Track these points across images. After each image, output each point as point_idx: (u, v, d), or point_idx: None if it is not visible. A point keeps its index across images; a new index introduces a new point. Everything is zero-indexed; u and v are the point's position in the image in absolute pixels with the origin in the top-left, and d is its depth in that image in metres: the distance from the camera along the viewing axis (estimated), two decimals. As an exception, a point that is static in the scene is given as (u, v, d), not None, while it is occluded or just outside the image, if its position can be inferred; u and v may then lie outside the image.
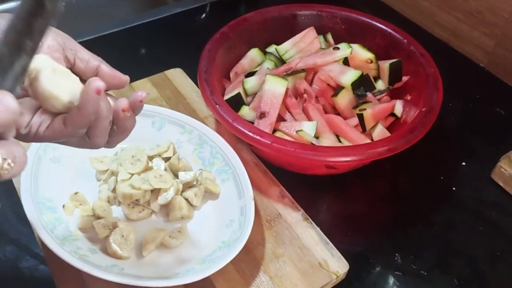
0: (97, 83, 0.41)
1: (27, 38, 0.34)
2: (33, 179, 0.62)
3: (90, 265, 0.54)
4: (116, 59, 0.91)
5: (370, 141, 0.70)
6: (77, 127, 0.42)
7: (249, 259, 0.61)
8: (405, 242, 0.67)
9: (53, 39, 0.46)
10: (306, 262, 0.61)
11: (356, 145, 0.65)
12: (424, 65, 0.74)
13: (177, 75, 0.85)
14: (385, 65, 0.76)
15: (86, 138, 0.45)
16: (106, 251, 0.59)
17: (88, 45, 0.97)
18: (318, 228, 0.65)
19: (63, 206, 0.62)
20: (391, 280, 0.62)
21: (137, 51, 0.98)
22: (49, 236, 0.56)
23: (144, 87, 0.83)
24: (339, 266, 0.61)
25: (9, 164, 0.33)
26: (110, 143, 0.49)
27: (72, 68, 0.47)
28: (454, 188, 0.73)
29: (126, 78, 0.49)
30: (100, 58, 0.49)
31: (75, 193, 0.64)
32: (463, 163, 0.77)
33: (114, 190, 0.65)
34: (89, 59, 0.48)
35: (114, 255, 0.59)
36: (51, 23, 0.35)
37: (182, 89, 0.83)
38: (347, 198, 0.73)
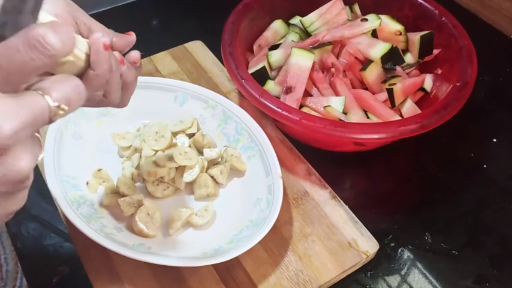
0: (102, 39, 0.38)
1: None
2: (55, 155, 0.60)
3: (117, 244, 0.53)
4: (131, 31, 0.90)
5: (399, 117, 0.68)
6: (96, 88, 0.40)
7: (277, 238, 0.60)
8: (434, 220, 0.65)
9: (65, 10, 0.43)
10: (335, 241, 0.60)
11: (387, 122, 0.63)
12: (457, 37, 0.70)
13: (197, 48, 0.83)
14: (416, 37, 0.72)
15: (102, 97, 0.43)
16: (132, 229, 0.58)
17: (102, 16, 0.96)
18: (347, 207, 0.63)
19: (87, 183, 0.61)
20: (421, 260, 0.61)
21: (154, 22, 0.95)
22: (75, 214, 0.55)
23: (163, 61, 0.80)
24: (369, 245, 0.60)
25: (62, 109, 0.30)
26: (121, 101, 0.47)
27: None
28: (484, 166, 0.71)
29: (133, 37, 0.46)
30: (113, 31, 0.46)
31: (99, 170, 0.63)
32: (494, 139, 0.75)
33: (137, 167, 0.64)
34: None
35: (140, 234, 0.58)
36: None
37: (203, 62, 0.80)
38: (373, 175, 0.71)
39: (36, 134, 0.31)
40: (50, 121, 0.30)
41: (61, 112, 0.30)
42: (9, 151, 0.28)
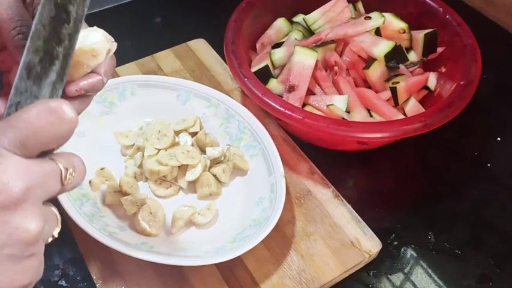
0: (104, 80, 0.39)
1: (57, 44, 0.33)
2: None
3: (120, 243, 0.53)
4: (134, 28, 0.90)
5: (402, 115, 0.68)
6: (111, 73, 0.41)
7: (279, 237, 0.60)
8: (437, 219, 0.65)
9: None
10: (337, 240, 0.60)
11: (391, 121, 0.63)
12: (461, 35, 0.70)
13: (200, 46, 0.83)
14: (420, 35, 0.72)
15: None
16: (134, 228, 0.58)
17: (105, 14, 0.95)
18: (349, 206, 0.63)
19: (90, 182, 0.61)
20: (424, 259, 0.61)
21: (156, 20, 0.95)
22: (78, 213, 0.55)
23: (166, 59, 0.80)
24: (372, 244, 0.59)
25: (71, 174, 0.32)
26: None
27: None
28: (488, 164, 0.71)
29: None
30: None
31: (102, 168, 0.63)
32: (498, 138, 0.74)
33: (140, 166, 0.64)
34: None
35: (143, 233, 0.58)
36: (80, 27, 0.34)
37: (206, 60, 0.80)
38: (376, 173, 0.71)
39: (54, 209, 0.31)
40: (62, 185, 0.31)
41: (70, 177, 0.31)
42: (18, 209, 0.28)
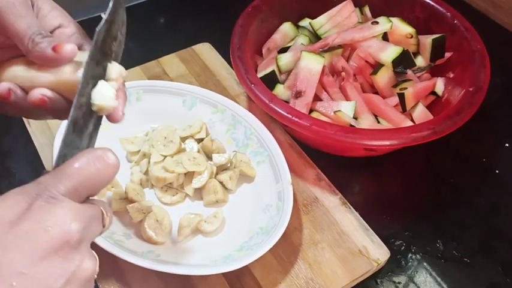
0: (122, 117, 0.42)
1: None
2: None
3: (126, 251, 0.53)
4: (139, 32, 0.90)
5: (410, 121, 0.67)
6: None
7: (287, 245, 0.59)
8: (446, 226, 0.64)
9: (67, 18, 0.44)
10: (345, 249, 0.59)
11: (399, 128, 0.62)
12: (470, 40, 0.69)
13: (205, 50, 0.82)
14: (427, 40, 0.71)
15: None
16: (141, 235, 0.58)
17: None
18: (357, 213, 0.62)
19: (95, 189, 0.61)
20: (433, 267, 0.60)
21: (161, 24, 0.94)
22: (83, 222, 0.54)
23: (171, 63, 0.80)
24: (380, 253, 0.59)
25: (108, 216, 0.35)
26: None
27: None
28: (497, 171, 0.70)
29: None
30: (67, 18, 0.45)
31: (107, 175, 0.62)
32: (507, 144, 0.74)
33: (146, 172, 0.63)
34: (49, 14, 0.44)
35: (149, 241, 0.57)
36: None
37: (211, 64, 0.80)
38: (384, 180, 0.71)
39: (93, 251, 0.34)
40: (103, 226, 0.35)
41: (107, 219, 0.35)
42: (78, 249, 0.31)
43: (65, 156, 0.35)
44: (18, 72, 0.42)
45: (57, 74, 0.40)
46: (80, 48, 0.42)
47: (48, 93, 0.40)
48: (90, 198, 0.35)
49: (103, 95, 0.39)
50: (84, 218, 0.32)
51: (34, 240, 0.30)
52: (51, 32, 0.43)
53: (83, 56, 0.39)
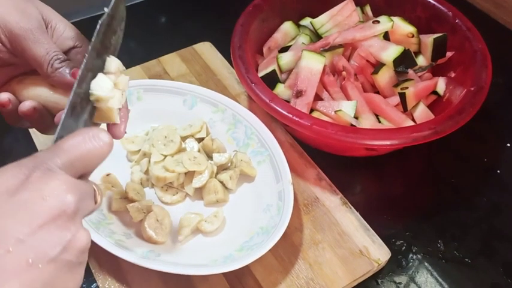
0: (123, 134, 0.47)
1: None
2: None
3: (126, 251, 0.53)
4: (139, 31, 0.90)
5: (411, 121, 0.67)
6: None
7: (287, 245, 0.59)
8: (447, 227, 0.64)
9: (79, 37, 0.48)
10: (345, 249, 0.59)
11: (400, 128, 0.62)
12: (471, 40, 0.69)
13: (206, 50, 0.82)
14: (429, 39, 0.71)
15: None
16: (141, 235, 0.58)
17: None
18: (358, 213, 0.62)
19: (95, 188, 0.61)
20: (434, 268, 0.60)
21: (162, 23, 0.94)
22: (84, 220, 0.54)
23: (172, 62, 0.80)
24: (381, 253, 0.59)
25: (99, 194, 0.36)
26: None
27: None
28: (498, 171, 0.70)
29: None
30: (80, 37, 0.48)
31: (107, 174, 0.62)
32: (508, 144, 0.73)
33: (146, 172, 0.63)
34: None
35: (149, 240, 0.57)
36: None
37: (212, 64, 0.80)
38: (385, 180, 0.70)
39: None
40: (95, 203, 0.36)
41: (98, 197, 0.36)
42: (73, 219, 0.32)
43: (61, 138, 0.36)
44: (41, 92, 0.45)
45: None
46: None
47: None
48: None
49: (101, 86, 0.41)
50: (79, 191, 0.33)
51: (32, 209, 0.30)
52: (67, 51, 0.47)
53: None
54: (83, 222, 0.34)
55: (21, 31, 0.43)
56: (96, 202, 0.36)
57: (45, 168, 0.32)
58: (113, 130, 0.45)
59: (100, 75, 0.42)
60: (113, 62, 0.43)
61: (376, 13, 0.77)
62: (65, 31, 0.47)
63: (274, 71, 0.70)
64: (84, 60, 0.39)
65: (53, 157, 0.33)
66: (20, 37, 0.43)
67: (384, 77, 0.69)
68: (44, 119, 0.46)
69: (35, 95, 0.46)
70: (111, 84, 0.42)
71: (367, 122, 0.66)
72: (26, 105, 0.45)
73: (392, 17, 0.72)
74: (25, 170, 0.32)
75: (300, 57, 0.68)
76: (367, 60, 0.70)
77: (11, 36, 0.43)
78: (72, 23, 0.49)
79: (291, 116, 0.60)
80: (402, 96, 0.67)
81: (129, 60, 0.81)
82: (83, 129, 0.35)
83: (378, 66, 0.69)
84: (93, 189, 0.36)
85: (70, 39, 0.47)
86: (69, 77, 0.44)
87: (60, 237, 0.31)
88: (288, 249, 0.59)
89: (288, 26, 0.77)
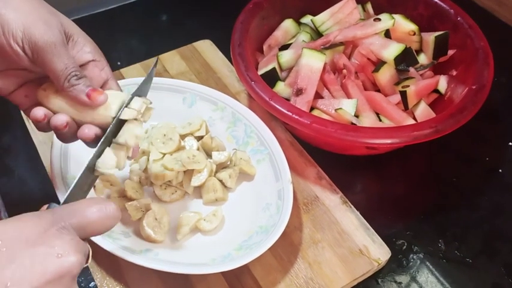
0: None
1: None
2: (62, 158, 0.60)
3: (125, 250, 0.52)
4: (139, 29, 0.89)
5: (412, 120, 0.66)
6: None
7: (286, 244, 0.59)
8: (448, 226, 0.64)
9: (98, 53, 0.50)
10: (345, 248, 0.58)
11: (401, 126, 0.61)
12: (473, 37, 0.68)
13: (206, 47, 0.82)
14: (430, 37, 0.71)
15: None
16: (139, 234, 0.57)
17: (110, 14, 0.94)
18: (358, 212, 0.62)
19: (94, 187, 0.60)
20: (435, 267, 0.59)
21: (162, 20, 0.94)
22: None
23: (172, 60, 0.79)
24: (381, 252, 0.58)
25: (91, 254, 0.38)
26: None
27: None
28: (500, 170, 0.69)
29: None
30: (98, 52, 0.50)
31: (106, 173, 0.62)
32: (510, 143, 0.73)
33: (145, 170, 0.63)
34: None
35: (147, 239, 0.57)
36: None
37: (212, 62, 0.79)
38: (385, 179, 0.70)
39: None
40: (86, 262, 0.38)
41: (90, 256, 0.39)
42: (75, 279, 0.35)
43: (73, 195, 0.43)
44: (64, 105, 0.47)
45: (105, 114, 0.47)
46: (106, 82, 0.50)
47: (98, 131, 0.47)
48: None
49: (106, 164, 0.46)
50: (83, 252, 0.36)
51: (45, 265, 0.33)
52: (85, 64, 0.48)
53: (115, 94, 0.48)
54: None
55: (45, 44, 0.44)
56: (87, 261, 0.38)
57: (62, 226, 0.35)
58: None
59: (107, 151, 0.46)
60: (136, 103, 0.48)
61: (378, 11, 0.76)
62: (84, 45, 0.48)
63: (274, 69, 0.69)
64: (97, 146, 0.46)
65: (70, 218, 0.36)
66: (43, 50, 0.44)
67: (385, 75, 0.68)
68: (71, 130, 0.47)
69: (59, 108, 0.47)
70: (115, 160, 0.46)
71: (368, 120, 0.65)
72: (60, 120, 0.46)
73: (394, 15, 0.71)
74: (44, 223, 0.34)
75: (300, 55, 0.68)
76: (368, 58, 0.69)
77: (34, 48, 0.44)
78: (73, 21, 0.49)
79: (290, 114, 0.59)
80: (403, 94, 0.66)
81: (129, 57, 0.81)
82: (99, 199, 0.40)
83: (378, 64, 0.68)
84: (88, 250, 0.38)
85: (89, 53, 0.48)
86: (84, 97, 0.45)
87: None
88: (287, 248, 0.58)
89: (288, 24, 0.77)
